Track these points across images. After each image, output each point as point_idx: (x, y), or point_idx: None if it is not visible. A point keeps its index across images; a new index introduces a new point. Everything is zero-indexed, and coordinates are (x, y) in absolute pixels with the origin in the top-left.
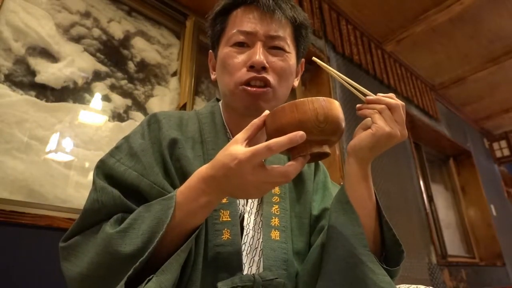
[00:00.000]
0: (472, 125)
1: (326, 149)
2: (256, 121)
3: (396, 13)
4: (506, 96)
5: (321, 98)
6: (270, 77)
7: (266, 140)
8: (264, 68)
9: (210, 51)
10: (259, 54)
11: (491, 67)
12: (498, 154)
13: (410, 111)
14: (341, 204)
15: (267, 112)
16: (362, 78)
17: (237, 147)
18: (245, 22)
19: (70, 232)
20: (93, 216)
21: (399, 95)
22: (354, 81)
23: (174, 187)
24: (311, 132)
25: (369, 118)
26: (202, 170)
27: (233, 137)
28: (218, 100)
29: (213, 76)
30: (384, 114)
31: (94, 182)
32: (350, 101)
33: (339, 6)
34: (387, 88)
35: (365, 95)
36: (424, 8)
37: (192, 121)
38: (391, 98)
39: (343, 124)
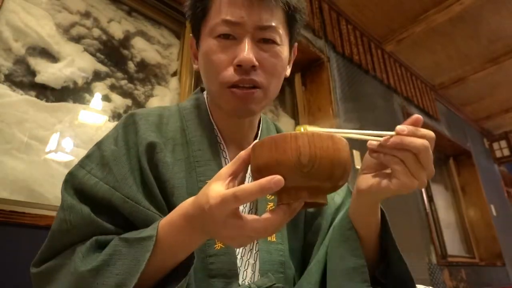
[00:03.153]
0: (472, 125)
1: (320, 199)
2: (243, 154)
3: (396, 13)
4: (506, 96)
5: (311, 132)
6: (260, 77)
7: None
8: (253, 67)
9: (191, 35)
10: (247, 51)
11: (491, 67)
12: (498, 154)
13: (410, 111)
14: (343, 231)
15: (254, 143)
16: (362, 78)
17: (215, 187)
18: (230, 9)
19: (40, 257)
20: (63, 238)
21: (399, 95)
22: (354, 81)
23: (153, 196)
24: (292, 177)
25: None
26: (184, 206)
27: (221, 135)
28: (202, 89)
29: (195, 66)
30: (409, 163)
31: (62, 199)
32: (350, 101)
33: (339, 6)
34: (387, 88)
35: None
36: (424, 8)
37: (173, 119)
38: (416, 135)
39: (344, 167)
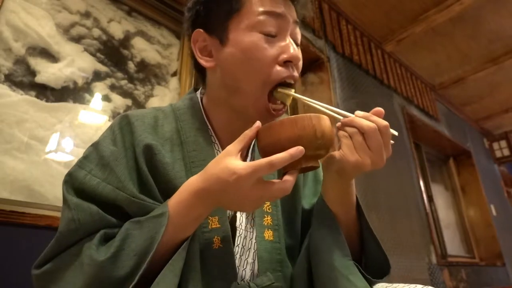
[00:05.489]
0: (472, 125)
1: (316, 163)
2: (249, 132)
3: (396, 13)
4: (506, 96)
5: (315, 114)
6: (296, 73)
7: (248, 153)
8: (295, 64)
9: (199, 30)
10: (293, 47)
11: (491, 67)
12: (498, 154)
13: (410, 111)
14: (320, 210)
15: (258, 123)
16: (362, 78)
17: (234, 161)
18: (272, 2)
19: (44, 257)
20: (70, 237)
21: (399, 95)
22: (354, 81)
23: (152, 197)
24: (307, 147)
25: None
26: (193, 184)
27: (215, 135)
28: (195, 90)
29: (208, 63)
30: (354, 139)
31: (65, 200)
32: (349, 102)
33: (339, 6)
34: (387, 88)
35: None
36: (424, 8)
37: (168, 120)
38: (367, 119)
39: (334, 140)
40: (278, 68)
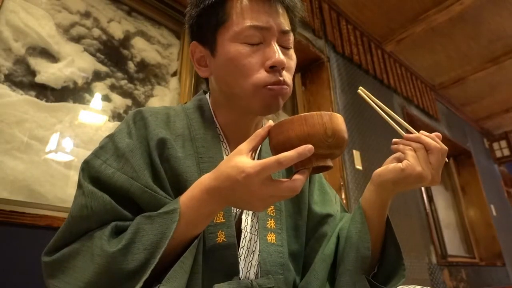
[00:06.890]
0: (472, 125)
1: (329, 162)
2: (261, 131)
3: (396, 13)
4: (506, 96)
5: (326, 112)
6: (286, 77)
7: (257, 151)
8: (282, 68)
9: (195, 42)
10: (279, 53)
11: (491, 67)
12: (498, 154)
13: (410, 111)
14: (356, 224)
15: (271, 122)
16: (362, 78)
17: (244, 159)
18: (255, 15)
19: (55, 244)
20: (81, 224)
21: (399, 95)
22: (354, 81)
23: (164, 190)
24: (318, 146)
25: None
26: (205, 181)
27: (223, 132)
28: (205, 92)
29: (204, 73)
30: (419, 154)
31: (81, 186)
32: (350, 101)
33: (339, 6)
34: (387, 88)
35: (406, 130)
36: (424, 8)
37: (179, 117)
38: (433, 139)
39: (347, 139)
40: (265, 73)
